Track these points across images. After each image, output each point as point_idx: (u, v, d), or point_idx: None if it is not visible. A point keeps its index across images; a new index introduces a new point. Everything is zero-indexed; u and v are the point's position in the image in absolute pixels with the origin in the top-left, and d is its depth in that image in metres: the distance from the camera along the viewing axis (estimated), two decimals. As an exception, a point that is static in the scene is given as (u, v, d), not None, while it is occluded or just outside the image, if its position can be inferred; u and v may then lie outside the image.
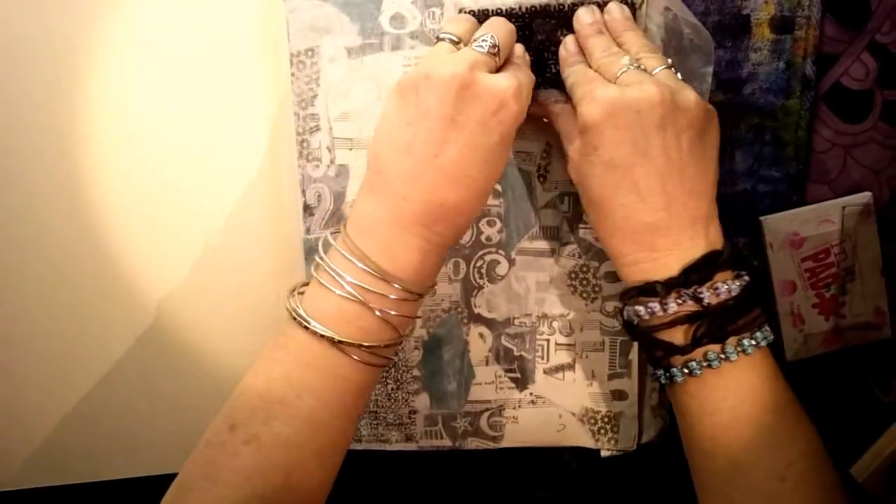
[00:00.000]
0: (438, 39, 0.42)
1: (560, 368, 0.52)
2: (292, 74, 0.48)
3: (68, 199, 0.49)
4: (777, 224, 0.50)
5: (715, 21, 0.48)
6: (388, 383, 0.52)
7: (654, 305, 0.40)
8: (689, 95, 0.40)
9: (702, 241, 0.40)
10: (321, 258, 0.40)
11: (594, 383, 0.52)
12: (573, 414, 0.52)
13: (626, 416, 0.52)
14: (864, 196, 0.50)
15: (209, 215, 0.50)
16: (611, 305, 0.51)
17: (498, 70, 0.42)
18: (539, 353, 0.52)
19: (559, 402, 0.52)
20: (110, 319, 0.50)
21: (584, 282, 0.51)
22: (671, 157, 0.39)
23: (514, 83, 0.39)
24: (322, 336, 0.38)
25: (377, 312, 0.38)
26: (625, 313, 0.42)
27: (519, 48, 0.45)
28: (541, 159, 0.49)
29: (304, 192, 0.50)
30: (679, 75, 0.42)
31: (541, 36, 0.46)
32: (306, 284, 0.41)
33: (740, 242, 0.50)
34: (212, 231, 0.50)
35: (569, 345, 0.51)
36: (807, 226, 0.50)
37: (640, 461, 0.53)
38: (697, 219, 0.40)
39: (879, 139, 0.50)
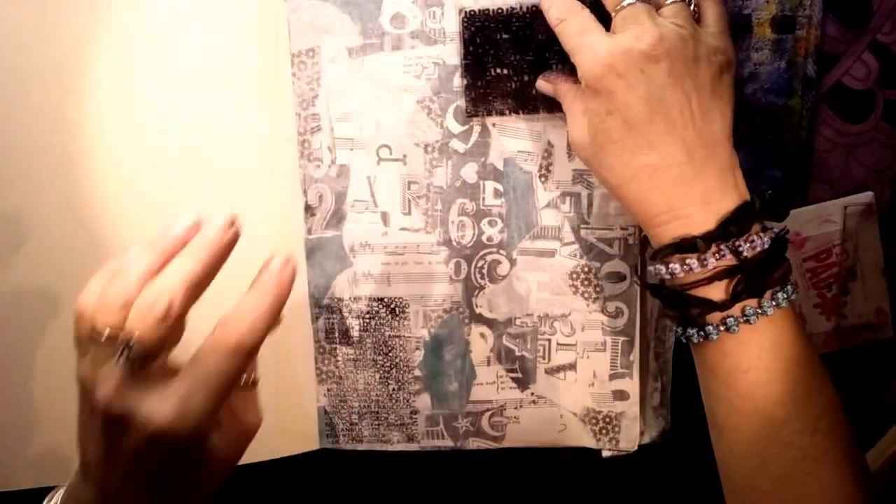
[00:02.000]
0: None
1: (561, 368, 0.52)
2: (293, 74, 0.48)
3: (68, 198, 0.49)
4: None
5: (716, 21, 0.48)
6: (389, 384, 0.52)
7: (692, 261, 0.39)
8: (691, 45, 0.38)
9: (732, 193, 0.39)
10: None
11: (596, 383, 0.52)
12: (574, 414, 0.52)
13: (628, 417, 0.52)
14: (866, 196, 0.50)
15: (210, 215, 0.49)
16: (612, 306, 0.51)
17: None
18: (540, 354, 0.52)
19: (560, 402, 0.52)
20: (111, 320, 0.50)
21: (586, 282, 0.51)
22: (690, 108, 0.38)
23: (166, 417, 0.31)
24: None
25: None
26: (655, 272, 0.41)
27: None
28: (542, 159, 0.49)
29: (305, 192, 0.49)
30: (693, 5, 0.40)
31: (542, 36, 0.46)
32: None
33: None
34: (213, 231, 0.50)
35: (570, 345, 0.51)
36: (808, 226, 0.50)
37: (642, 462, 0.53)
38: (724, 168, 0.39)
39: (881, 139, 0.50)
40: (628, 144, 0.39)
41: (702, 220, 0.39)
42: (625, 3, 0.40)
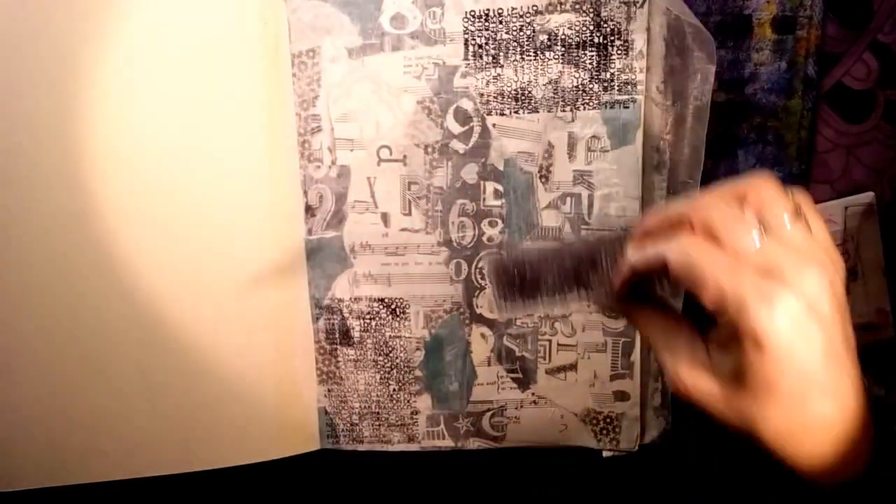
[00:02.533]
0: None
1: (562, 369, 0.52)
2: (293, 75, 0.48)
3: (68, 199, 0.49)
4: (779, 224, 0.50)
5: (717, 21, 0.48)
6: (390, 384, 0.52)
7: None
8: (833, 269, 0.33)
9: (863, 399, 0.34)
10: None
11: (596, 384, 0.52)
12: (575, 414, 0.52)
13: (628, 417, 0.52)
14: (867, 196, 0.50)
15: (210, 215, 0.50)
16: (613, 306, 0.51)
17: None
18: (541, 354, 0.52)
19: (561, 402, 0.52)
20: (111, 320, 0.50)
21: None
22: (847, 335, 0.33)
23: None
24: None
25: None
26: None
27: None
28: (542, 160, 0.49)
29: (305, 192, 0.49)
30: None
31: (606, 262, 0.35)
32: None
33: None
34: (213, 231, 0.50)
35: (570, 345, 0.51)
36: (809, 226, 0.50)
37: (642, 462, 0.53)
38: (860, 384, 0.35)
39: (881, 139, 0.50)
40: (797, 395, 0.33)
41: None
42: (756, 241, 0.33)
